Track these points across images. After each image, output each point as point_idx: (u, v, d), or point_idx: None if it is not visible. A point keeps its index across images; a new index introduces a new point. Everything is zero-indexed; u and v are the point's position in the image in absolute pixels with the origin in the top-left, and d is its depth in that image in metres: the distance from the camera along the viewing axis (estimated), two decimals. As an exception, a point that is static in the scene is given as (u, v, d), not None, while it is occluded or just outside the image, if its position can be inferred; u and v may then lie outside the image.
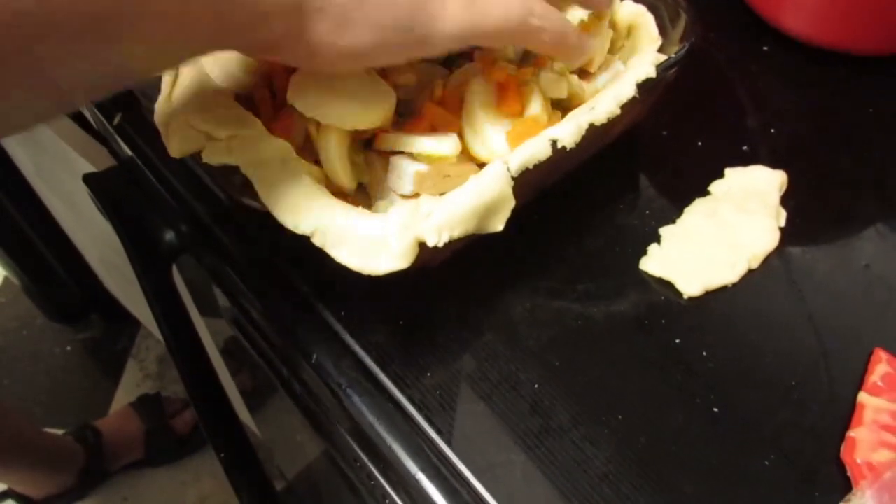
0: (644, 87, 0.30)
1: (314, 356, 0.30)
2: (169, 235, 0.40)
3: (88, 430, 1.06)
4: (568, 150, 0.28)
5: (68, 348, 1.25)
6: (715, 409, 0.28)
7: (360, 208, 0.27)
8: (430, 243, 0.25)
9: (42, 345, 1.25)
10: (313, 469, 0.73)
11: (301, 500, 0.89)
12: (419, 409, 0.29)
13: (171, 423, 1.10)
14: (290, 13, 0.23)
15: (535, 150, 0.28)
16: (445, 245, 0.26)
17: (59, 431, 1.07)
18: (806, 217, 0.34)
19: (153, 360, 1.24)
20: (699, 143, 0.37)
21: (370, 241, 0.25)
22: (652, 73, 0.31)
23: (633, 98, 0.30)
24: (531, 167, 0.28)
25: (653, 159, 0.37)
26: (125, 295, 1.06)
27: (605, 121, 0.29)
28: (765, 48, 0.43)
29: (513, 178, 0.27)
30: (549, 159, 0.28)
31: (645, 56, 0.33)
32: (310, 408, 0.32)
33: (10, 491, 1.04)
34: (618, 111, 0.30)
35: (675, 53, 0.32)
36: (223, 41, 0.23)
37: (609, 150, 0.34)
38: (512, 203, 0.27)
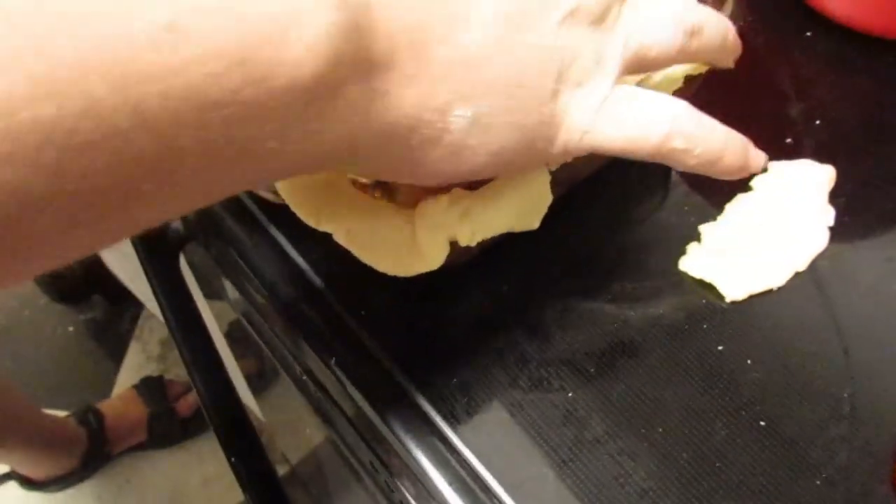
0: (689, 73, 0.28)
1: (333, 359, 0.28)
2: (176, 223, 0.38)
3: (91, 412, 1.05)
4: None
5: (70, 329, 1.24)
6: (761, 423, 0.27)
7: (386, 203, 0.25)
8: (464, 244, 0.24)
9: (44, 325, 1.24)
10: (317, 454, 0.72)
11: (305, 485, 0.88)
12: (445, 418, 0.27)
13: (175, 407, 1.09)
14: (393, 144, 0.19)
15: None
16: (476, 244, 0.24)
17: (62, 413, 1.06)
18: (856, 215, 0.32)
19: (156, 342, 1.23)
20: (739, 134, 0.35)
21: (399, 241, 0.23)
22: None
23: (679, 83, 0.28)
24: (569, 160, 0.26)
25: (690, 151, 0.35)
26: (128, 276, 1.04)
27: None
28: (808, 34, 0.40)
29: (550, 173, 0.25)
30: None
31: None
32: (329, 417, 0.30)
33: (13, 472, 1.03)
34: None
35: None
36: (304, 171, 0.20)
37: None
38: (549, 199, 0.25)
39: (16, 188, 0.13)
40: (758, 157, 0.25)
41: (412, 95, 0.18)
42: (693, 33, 0.23)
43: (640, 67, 0.23)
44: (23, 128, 0.13)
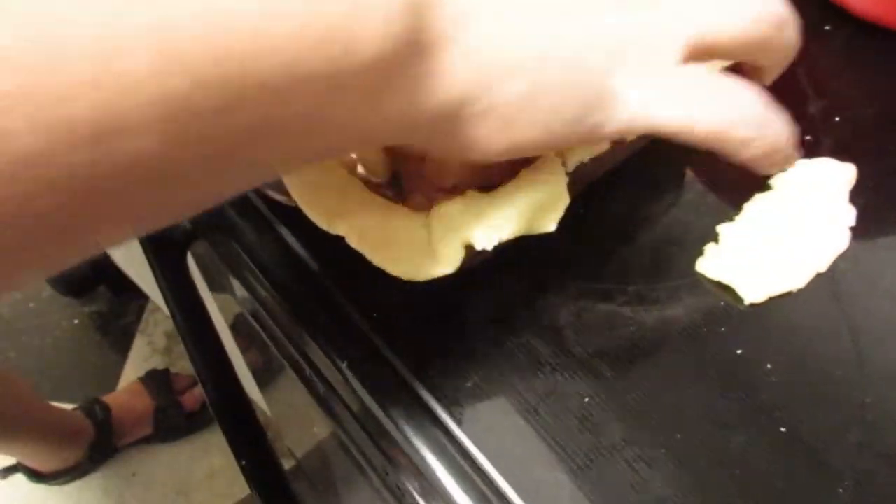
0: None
1: (344, 363, 0.28)
2: (184, 221, 0.37)
3: (98, 405, 1.05)
4: (628, 141, 0.26)
5: (76, 321, 1.24)
6: (781, 429, 0.26)
7: (400, 206, 0.24)
8: (479, 247, 0.23)
9: (49, 318, 1.24)
10: (323, 450, 0.72)
11: (310, 479, 0.88)
12: (458, 422, 0.27)
13: (181, 400, 1.09)
14: (447, 119, 0.20)
15: (594, 141, 0.25)
16: (492, 248, 0.24)
17: (67, 406, 1.06)
18: (878, 215, 0.31)
19: (161, 334, 1.23)
20: (757, 132, 0.34)
21: (412, 245, 0.23)
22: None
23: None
24: (587, 160, 0.25)
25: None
26: (133, 269, 1.04)
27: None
28: (826, 28, 0.39)
29: (568, 174, 0.25)
30: (606, 151, 0.26)
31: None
32: (336, 415, 0.30)
33: (19, 465, 1.03)
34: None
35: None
36: (365, 146, 0.21)
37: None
38: (566, 201, 0.25)
39: (140, 155, 0.14)
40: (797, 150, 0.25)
41: (465, 70, 0.19)
42: (776, 26, 0.23)
43: (707, 53, 0.22)
44: (151, 100, 0.14)
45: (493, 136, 0.21)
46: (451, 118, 0.20)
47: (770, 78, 0.26)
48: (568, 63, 0.20)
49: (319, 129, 0.18)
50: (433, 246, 0.23)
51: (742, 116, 0.22)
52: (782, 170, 0.25)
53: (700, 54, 0.22)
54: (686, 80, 0.22)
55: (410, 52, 0.18)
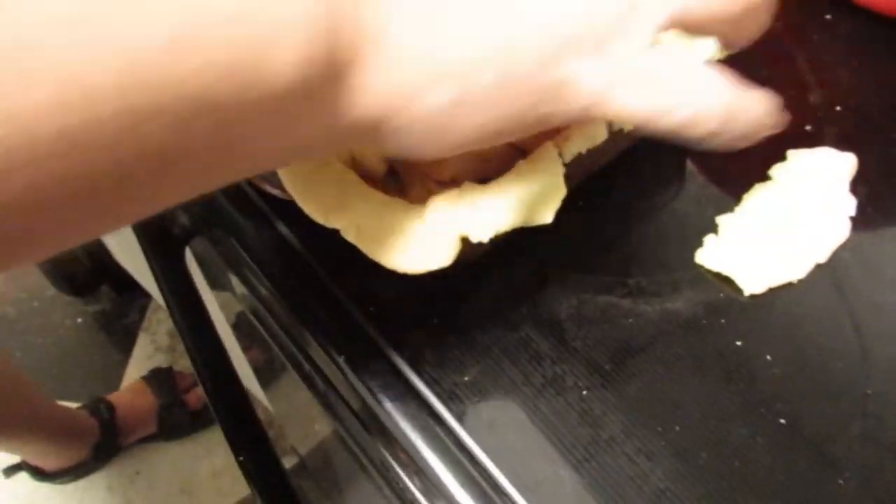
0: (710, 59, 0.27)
1: (342, 358, 0.28)
2: (182, 218, 0.37)
3: (102, 403, 1.05)
4: (625, 132, 0.25)
5: (79, 320, 1.24)
6: (782, 421, 0.26)
7: (396, 199, 0.24)
8: (475, 240, 0.23)
9: (52, 316, 1.24)
10: (325, 447, 0.72)
11: (314, 477, 0.88)
12: (456, 416, 0.27)
13: (184, 398, 1.09)
14: (371, 132, 0.19)
15: (591, 131, 0.25)
16: (489, 239, 0.23)
17: (71, 404, 1.06)
18: (878, 205, 0.31)
19: (164, 333, 1.23)
20: (756, 122, 0.34)
21: (409, 238, 0.23)
22: (714, 49, 0.28)
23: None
24: (584, 151, 0.25)
25: (706, 140, 0.34)
26: (135, 268, 1.04)
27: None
28: (827, 16, 0.39)
29: (564, 165, 0.25)
30: (604, 142, 0.25)
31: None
32: (336, 411, 0.30)
33: (24, 463, 1.03)
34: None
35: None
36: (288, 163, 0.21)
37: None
38: (563, 192, 0.25)
39: (34, 186, 0.14)
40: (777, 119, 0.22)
41: (384, 85, 0.18)
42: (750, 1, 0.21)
43: (681, 27, 0.21)
44: (48, 131, 0.14)
45: (425, 143, 0.20)
46: (375, 131, 0.19)
47: (732, 51, 0.24)
48: (502, 60, 0.19)
49: (233, 155, 0.17)
50: (429, 239, 0.23)
51: (710, 106, 0.20)
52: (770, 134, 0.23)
53: (665, 28, 0.20)
54: (651, 63, 0.20)
55: (326, 74, 0.17)
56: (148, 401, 1.09)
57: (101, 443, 1.05)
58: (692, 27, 0.21)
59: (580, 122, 0.21)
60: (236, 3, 0.16)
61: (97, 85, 0.14)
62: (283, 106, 0.17)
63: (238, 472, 0.51)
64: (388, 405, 0.27)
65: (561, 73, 0.19)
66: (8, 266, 0.16)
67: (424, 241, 0.23)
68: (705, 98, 0.20)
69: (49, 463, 1.03)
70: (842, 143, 0.33)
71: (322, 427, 0.67)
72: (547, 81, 0.19)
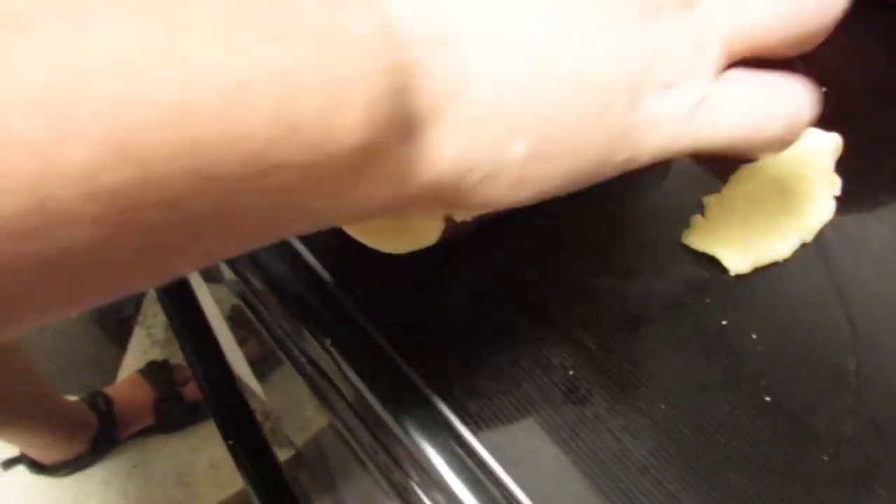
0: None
1: (328, 341, 0.28)
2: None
3: (100, 396, 1.06)
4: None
5: (75, 314, 1.24)
6: (766, 398, 0.26)
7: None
8: (459, 219, 0.23)
9: (48, 311, 1.24)
10: (320, 438, 0.72)
11: (310, 468, 0.88)
12: (442, 397, 0.27)
13: (181, 391, 1.09)
14: (441, 192, 0.18)
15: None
16: (472, 218, 0.23)
17: (68, 397, 1.06)
18: (863, 185, 0.31)
19: (160, 326, 1.23)
20: (743, 104, 0.34)
21: (393, 218, 0.23)
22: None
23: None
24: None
25: (692, 121, 0.34)
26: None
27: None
28: (814, -2, 0.39)
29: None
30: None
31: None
32: (328, 400, 0.30)
33: (23, 456, 1.04)
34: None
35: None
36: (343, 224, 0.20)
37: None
38: (546, 171, 0.25)
39: (71, 247, 0.13)
40: None
41: (458, 142, 0.17)
42: (819, 12, 0.20)
43: (750, 53, 0.20)
44: (101, 191, 0.12)
45: (504, 197, 0.19)
46: (447, 191, 0.18)
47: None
48: (577, 113, 0.18)
49: (289, 217, 0.16)
50: (413, 219, 0.23)
51: (790, 125, 0.20)
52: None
53: (739, 55, 0.20)
54: (725, 92, 0.19)
55: (395, 135, 0.16)
56: (145, 394, 1.09)
57: (99, 436, 1.05)
58: (760, 48, 0.20)
59: (666, 159, 0.20)
60: (294, 55, 0.14)
61: (138, 144, 0.13)
62: (346, 168, 0.16)
63: (234, 465, 0.51)
64: (375, 386, 0.27)
65: (643, 115, 0.19)
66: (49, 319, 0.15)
67: (407, 220, 0.23)
68: (795, 99, 0.20)
69: (48, 456, 1.04)
70: (827, 123, 0.33)
71: (317, 418, 0.67)
72: (628, 125, 0.19)
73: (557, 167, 0.19)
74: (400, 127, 0.16)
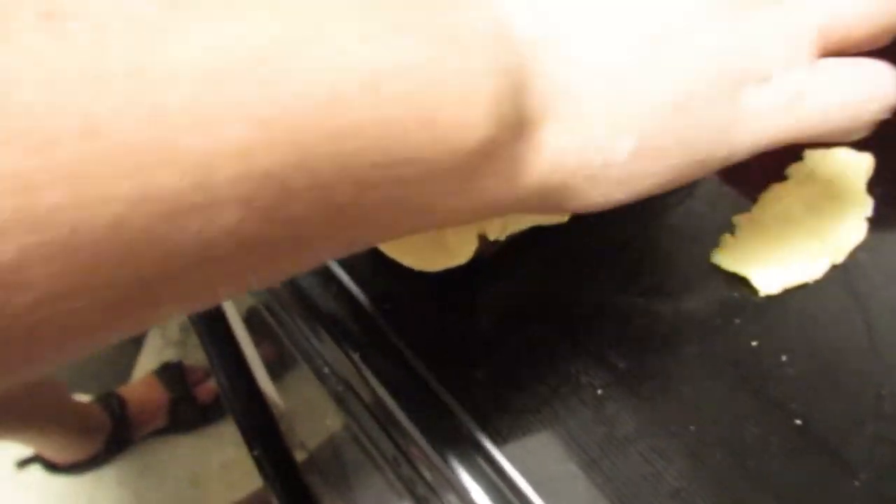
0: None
1: (356, 355, 0.28)
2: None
3: (114, 397, 1.06)
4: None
5: (90, 314, 1.25)
6: (797, 422, 0.26)
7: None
8: (493, 237, 0.23)
9: (64, 310, 1.25)
10: (335, 442, 0.72)
11: (322, 472, 0.88)
12: (469, 413, 0.27)
13: (195, 392, 1.10)
14: (552, 191, 0.19)
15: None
16: (506, 237, 0.24)
17: (82, 398, 1.07)
18: (896, 206, 0.31)
19: (175, 326, 1.23)
20: (773, 122, 0.34)
21: (426, 235, 0.23)
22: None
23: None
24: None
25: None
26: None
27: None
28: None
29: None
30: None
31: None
32: (349, 408, 0.30)
33: (38, 456, 1.04)
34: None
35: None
36: (454, 224, 0.20)
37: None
38: (579, 191, 0.25)
39: (234, 230, 0.13)
40: None
41: (569, 140, 0.18)
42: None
43: (838, 47, 0.21)
44: (255, 171, 0.13)
45: (610, 194, 0.20)
46: (554, 190, 0.19)
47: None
48: (681, 107, 0.18)
49: (414, 213, 0.17)
50: (446, 236, 0.23)
51: (884, 106, 0.20)
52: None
53: (832, 45, 0.20)
54: (819, 83, 0.20)
55: (511, 133, 0.17)
56: (159, 394, 1.10)
57: (113, 436, 1.06)
58: (850, 40, 0.21)
59: (767, 150, 0.21)
60: (428, 51, 0.15)
61: (297, 128, 0.13)
62: (466, 163, 0.16)
63: (247, 466, 0.51)
64: (402, 401, 0.27)
65: (742, 109, 0.19)
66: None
67: (441, 238, 0.23)
68: (884, 80, 0.20)
69: (62, 456, 1.05)
70: (859, 144, 0.33)
71: (332, 422, 0.67)
72: (729, 120, 0.19)
73: (661, 165, 0.19)
74: (516, 124, 0.17)
